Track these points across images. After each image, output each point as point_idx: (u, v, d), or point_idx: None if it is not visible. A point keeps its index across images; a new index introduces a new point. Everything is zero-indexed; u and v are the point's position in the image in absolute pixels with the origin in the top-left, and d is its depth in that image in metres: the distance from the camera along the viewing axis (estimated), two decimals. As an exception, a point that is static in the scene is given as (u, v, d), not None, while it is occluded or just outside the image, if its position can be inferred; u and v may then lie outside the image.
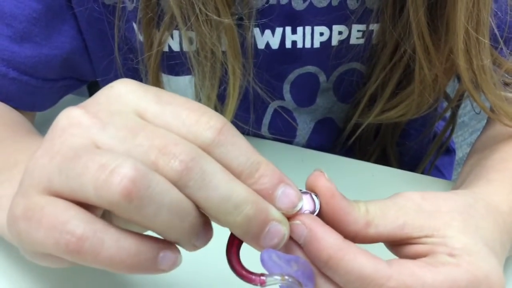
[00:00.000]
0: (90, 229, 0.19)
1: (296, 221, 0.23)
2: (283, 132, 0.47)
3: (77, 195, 0.20)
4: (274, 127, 0.46)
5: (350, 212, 0.24)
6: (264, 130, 0.47)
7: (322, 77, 0.44)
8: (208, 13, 0.33)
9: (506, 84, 0.40)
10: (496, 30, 0.36)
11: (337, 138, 0.49)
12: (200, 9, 0.33)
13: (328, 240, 0.23)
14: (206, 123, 0.21)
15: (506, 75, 0.38)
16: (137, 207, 0.19)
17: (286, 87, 0.44)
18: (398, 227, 0.25)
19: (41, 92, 0.42)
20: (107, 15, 0.39)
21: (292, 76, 0.43)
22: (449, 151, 0.64)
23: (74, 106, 0.21)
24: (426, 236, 0.25)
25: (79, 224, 0.19)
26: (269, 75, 0.42)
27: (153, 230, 0.20)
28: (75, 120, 0.21)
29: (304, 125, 0.47)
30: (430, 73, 0.38)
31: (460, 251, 0.25)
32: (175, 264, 0.21)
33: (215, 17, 0.34)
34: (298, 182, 0.24)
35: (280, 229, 0.22)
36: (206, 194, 0.20)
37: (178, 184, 0.20)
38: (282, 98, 0.45)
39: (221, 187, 0.20)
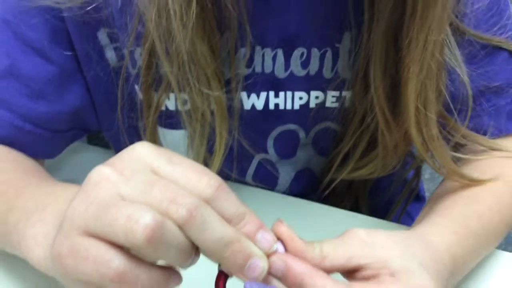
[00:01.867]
0: (129, 266, 0.26)
1: (273, 258, 0.29)
2: (266, 181, 0.52)
3: (110, 238, 0.26)
4: (258, 176, 0.52)
5: (306, 251, 0.30)
6: (248, 179, 0.52)
7: (301, 134, 0.49)
8: (201, 87, 0.39)
9: (461, 145, 0.47)
10: (450, 102, 0.43)
11: (315, 186, 0.54)
12: (194, 83, 0.39)
13: (300, 269, 0.29)
14: (207, 182, 0.27)
15: (462, 138, 0.44)
16: (155, 248, 0.25)
17: (270, 142, 0.49)
18: (348, 259, 0.31)
19: (52, 142, 0.47)
20: (112, 77, 0.45)
21: (274, 133, 0.49)
22: (420, 198, 0.69)
23: (103, 164, 0.28)
24: (371, 263, 0.31)
25: (120, 262, 0.26)
26: (254, 132, 0.47)
27: (163, 260, 0.27)
28: (105, 176, 0.27)
29: (286, 174, 0.53)
30: (390, 140, 0.44)
31: (398, 270, 0.32)
32: (179, 282, 0.28)
33: (206, 90, 0.40)
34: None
35: (260, 263, 0.28)
36: (205, 236, 0.26)
37: (184, 227, 0.26)
38: (266, 152, 0.50)
39: (216, 230, 0.26)
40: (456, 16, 0.43)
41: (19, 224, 0.35)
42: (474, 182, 0.43)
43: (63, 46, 0.44)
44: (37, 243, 0.33)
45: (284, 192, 0.54)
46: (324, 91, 0.46)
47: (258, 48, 0.43)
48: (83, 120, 0.48)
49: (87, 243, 0.26)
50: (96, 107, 0.47)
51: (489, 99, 0.46)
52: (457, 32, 0.43)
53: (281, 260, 0.29)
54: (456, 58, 0.42)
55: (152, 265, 0.27)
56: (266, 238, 0.28)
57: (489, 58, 0.46)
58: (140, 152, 0.28)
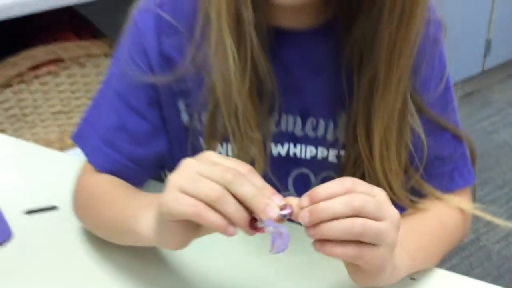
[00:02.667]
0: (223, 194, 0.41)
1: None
2: None
3: (197, 196, 0.41)
4: None
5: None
6: None
7: (312, 177, 0.63)
8: (248, 135, 0.55)
9: (415, 191, 0.60)
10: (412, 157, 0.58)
11: None
12: (243, 133, 0.54)
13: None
14: (244, 166, 0.43)
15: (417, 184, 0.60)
16: (220, 203, 0.40)
17: (290, 182, 0.64)
18: None
19: (143, 175, 0.64)
20: (184, 132, 0.61)
21: (293, 174, 0.63)
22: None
23: (191, 158, 0.44)
24: None
25: (217, 192, 0.41)
26: (278, 172, 0.61)
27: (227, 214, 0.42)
28: (191, 162, 0.43)
29: None
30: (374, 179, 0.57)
31: None
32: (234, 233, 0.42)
33: (251, 137, 0.55)
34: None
35: (273, 208, 0.41)
36: (242, 191, 0.40)
37: (230, 186, 0.41)
38: (287, 189, 0.64)
39: (248, 189, 0.41)
40: (416, 97, 0.58)
41: (134, 212, 0.51)
42: (417, 209, 0.60)
43: (155, 109, 0.60)
44: (146, 219, 0.48)
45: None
46: (327, 149, 0.62)
47: (284, 114, 0.60)
48: (164, 162, 0.65)
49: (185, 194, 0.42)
50: (173, 153, 0.61)
51: (437, 165, 0.61)
52: (418, 109, 0.58)
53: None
54: (418, 125, 0.57)
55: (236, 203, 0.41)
56: (277, 197, 0.42)
57: (439, 135, 0.60)
58: (210, 154, 0.45)
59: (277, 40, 0.56)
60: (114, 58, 0.63)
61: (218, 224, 0.40)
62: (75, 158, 0.69)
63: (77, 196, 0.62)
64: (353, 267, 0.46)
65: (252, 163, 0.56)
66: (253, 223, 0.42)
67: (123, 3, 1.27)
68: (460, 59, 2.15)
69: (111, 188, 0.59)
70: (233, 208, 0.41)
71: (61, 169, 0.73)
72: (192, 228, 0.44)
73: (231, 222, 0.41)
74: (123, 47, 0.61)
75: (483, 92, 2.34)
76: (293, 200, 0.42)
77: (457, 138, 0.62)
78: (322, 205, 0.41)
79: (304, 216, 0.41)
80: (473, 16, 2.12)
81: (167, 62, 0.58)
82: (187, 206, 0.41)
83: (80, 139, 0.63)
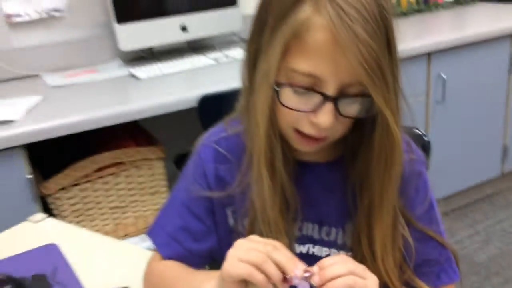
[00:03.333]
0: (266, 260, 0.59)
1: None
2: None
3: (250, 263, 0.59)
4: None
5: None
6: None
7: None
8: (277, 235, 0.72)
9: (409, 285, 0.75)
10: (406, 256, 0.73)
11: None
12: (275, 234, 0.71)
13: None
14: (275, 243, 0.61)
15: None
16: (265, 267, 0.58)
17: None
18: None
19: (198, 265, 0.80)
20: (229, 232, 0.78)
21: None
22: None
23: (242, 239, 0.62)
24: None
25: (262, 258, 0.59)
26: None
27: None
28: (243, 240, 0.62)
29: None
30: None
31: None
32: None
33: (279, 236, 0.71)
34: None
35: (299, 270, 0.59)
36: (280, 259, 0.59)
37: (271, 256, 0.59)
38: None
39: (285, 257, 0.60)
40: (405, 213, 0.74)
41: (199, 284, 0.69)
42: None
43: (210, 216, 0.79)
44: (210, 286, 0.66)
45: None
46: (338, 250, 0.78)
47: (305, 222, 0.77)
48: (214, 255, 0.81)
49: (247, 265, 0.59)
50: (222, 248, 0.78)
51: (426, 266, 0.76)
52: (407, 222, 0.74)
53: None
54: (408, 234, 0.73)
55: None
56: (302, 264, 0.59)
57: (426, 242, 0.76)
58: (253, 236, 0.63)
59: (301, 170, 0.74)
60: (182, 176, 0.81)
61: (263, 281, 0.58)
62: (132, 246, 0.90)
63: (149, 278, 0.79)
64: None
65: None
66: (285, 281, 0.60)
67: (174, 116, 1.51)
68: (478, 163, 2.31)
69: (177, 268, 0.77)
70: (272, 269, 0.58)
71: (124, 255, 0.93)
72: (245, 285, 0.61)
73: (271, 279, 0.59)
74: (188, 169, 0.80)
75: (504, 193, 2.46)
76: (313, 268, 0.61)
77: (441, 245, 0.77)
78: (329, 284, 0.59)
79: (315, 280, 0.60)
80: (489, 124, 2.30)
81: (221, 182, 0.77)
82: (243, 269, 0.59)
83: (153, 234, 0.81)
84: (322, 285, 0.59)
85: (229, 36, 2.09)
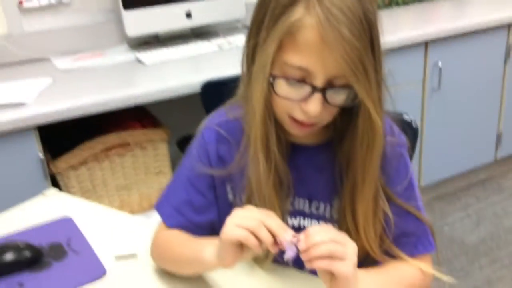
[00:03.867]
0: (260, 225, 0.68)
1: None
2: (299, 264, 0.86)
3: (246, 228, 0.68)
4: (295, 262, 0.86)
5: None
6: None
7: None
8: (270, 209, 0.76)
9: (388, 254, 0.84)
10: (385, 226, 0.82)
11: None
12: (269, 207, 0.77)
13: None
14: (267, 212, 0.70)
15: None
16: (259, 232, 0.68)
17: None
18: None
19: (200, 235, 0.85)
20: (229, 206, 0.86)
21: None
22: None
23: (238, 209, 0.70)
24: None
25: (256, 224, 0.68)
26: None
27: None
28: (240, 210, 0.71)
29: None
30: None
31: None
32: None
33: (272, 210, 0.76)
34: None
35: (288, 235, 0.68)
36: (272, 225, 0.68)
37: (265, 222, 0.68)
38: None
39: (276, 224, 0.68)
40: (386, 190, 0.82)
41: (200, 247, 0.78)
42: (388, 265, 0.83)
43: (211, 191, 0.87)
44: (210, 249, 0.75)
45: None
46: (326, 223, 0.86)
47: (296, 198, 0.86)
48: (214, 226, 0.88)
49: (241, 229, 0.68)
50: (221, 220, 0.84)
51: (404, 237, 0.84)
52: (387, 197, 0.81)
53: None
54: (388, 209, 0.81)
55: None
56: (290, 230, 0.68)
57: (404, 216, 0.84)
58: (249, 206, 0.73)
59: (294, 151, 0.83)
60: (186, 155, 0.89)
61: (256, 244, 0.67)
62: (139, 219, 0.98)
63: (155, 244, 0.88)
64: (328, 276, 0.69)
65: None
66: (275, 244, 0.69)
67: (178, 100, 1.58)
68: (473, 149, 2.38)
69: (181, 235, 0.86)
70: (265, 234, 0.67)
71: (131, 227, 1.02)
72: (239, 250, 0.70)
73: (263, 243, 0.68)
74: (192, 149, 0.88)
75: (496, 179, 2.53)
76: (299, 235, 0.69)
77: (419, 219, 0.85)
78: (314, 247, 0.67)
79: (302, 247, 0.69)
80: (484, 111, 2.36)
81: (221, 161, 0.86)
82: (239, 234, 0.68)
83: (159, 207, 0.89)
84: (306, 250, 0.67)
85: (232, 23, 2.15)
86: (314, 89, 0.71)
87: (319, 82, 0.70)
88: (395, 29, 2.09)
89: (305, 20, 0.68)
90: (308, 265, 0.68)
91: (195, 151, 0.88)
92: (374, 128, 0.74)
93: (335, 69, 0.69)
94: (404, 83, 2.08)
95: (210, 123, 0.88)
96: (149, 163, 1.74)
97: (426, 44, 2.08)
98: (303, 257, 0.68)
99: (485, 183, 2.51)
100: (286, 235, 0.68)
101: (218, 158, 0.86)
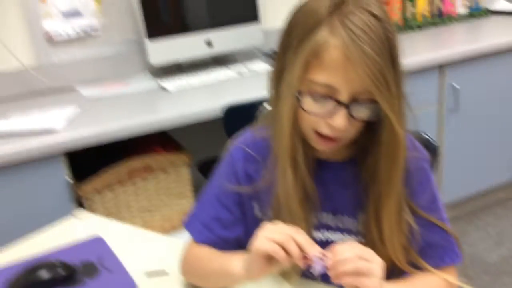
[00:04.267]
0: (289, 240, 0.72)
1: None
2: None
3: (276, 242, 0.72)
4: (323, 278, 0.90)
5: None
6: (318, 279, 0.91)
7: None
8: (297, 222, 0.82)
9: (415, 266, 0.87)
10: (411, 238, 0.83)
11: None
12: (295, 222, 0.82)
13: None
14: (296, 229, 0.74)
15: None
16: (288, 246, 0.72)
17: None
18: None
19: (229, 248, 0.90)
20: (256, 222, 0.86)
21: None
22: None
23: (270, 223, 0.76)
24: None
25: (285, 238, 0.73)
26: None
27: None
28: (270, 225, 0.75)
29: None
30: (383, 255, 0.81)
31: None
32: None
33: (298, 223, 0.82)
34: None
35: (316, 251, 0.73)
36: (301, 241, 0.72)
37: (294, 238, 0.73)
38: None
39: (304, 240, 0.72)
40: (410, 203, 0.85)
41: (228, 261, 0.83)
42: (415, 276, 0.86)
43: (239, 208, 0.91)
44: (238, 262, 0.81)
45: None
46: (350, 235, 0.89)
47: (322, 212, 0.89)
48: (241, 242, 0.90)
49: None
50: (248, 236, 0.88)
51: (430, 249, 0.87)
52: (412, 210, 0.85)
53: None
54: (412, 221, 0.84)
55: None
56: (317, 248, 0.72)
57: (429, 228, 0.87)
58: (278, 222, 0.76)
59: (320, 167, 0.86)
60: (215, 173, 0.94)
61: (285, 257, 0.71)
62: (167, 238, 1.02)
63: (185, 260, 0.92)
64: None
65: None
66: (304, 259, 0.72)
67: (200, 125, 1.64)
68: (491, 169, 2.38)
69: (210, 251, 0.90)
70: (294, 248, 0.71)
71: (159, 245, 1.06)
72: (267, 263, 0.73)
73: (291, 257, 0.71)
74: (221, 167, 0.93)
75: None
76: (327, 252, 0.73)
77: (444, 230, 0.88)
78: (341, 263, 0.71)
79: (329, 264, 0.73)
80: (502, 131, 2.37)
81: (249, 178, 0.90)
82: (269, 246, 0.71)
83: (188, 224, 0.94)
84: (334, 266, 0.71)
85: (251, 50, 2.22)
86: (340, 104, 0.75)
87: (344, 97, 0.75)
88: (411, 52, 2.13)
89: (330, 41, 0.73)
90: (335, 281, 0.71)
91: (223, 170, 0.93)
92: (397, 141, 0.78)
93: (359, 85, 0.74)
94: (420, 105, 2.11)
95: (238, 142, 0.93)
96: (171, 186, 1.79)
97: (440, 67, 2.12)
98: (331, 273, 0.71)
99: (505, 202, 2.50)
100: (314, 250, 0.72)
101: (245, 175, 0.90)
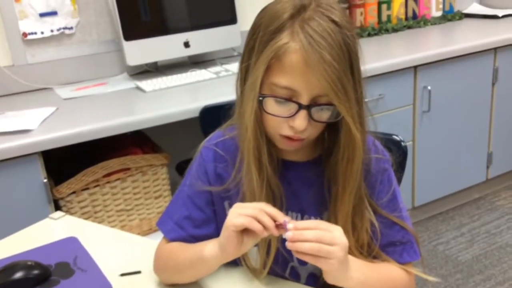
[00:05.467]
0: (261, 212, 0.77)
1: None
2: (295, 278, 0.94)
3: (249, 215, 0.76)
4: (291, 275, 0.94)
5: None
6: (287, 274, 0.94)
7: None
8: None
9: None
10: (372, 237, 0.87)
11: (316, 283, 0.92)
12: None
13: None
14: (264, 204, 0.78)
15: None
16: (261, 217, 0.76)
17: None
18: None
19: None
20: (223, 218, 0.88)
21: None
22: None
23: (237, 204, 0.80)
24: None
25: (258, 211, 0.77)
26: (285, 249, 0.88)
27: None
28: (240, 203, 0.80)
29: (304, 273, 0.93)
30: None
31: None
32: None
33: None
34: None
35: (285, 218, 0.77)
36: (271, 211, 0.77)
37: (264, 209, 0.77)
38: (293, 261, 0.93)
39: (274, 211, 0.77)
40: (371, 202, 0.87)
41: (200, 248, 0.85)
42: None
43: (211, 207, 0.93)
44: (211, 246, 0.83)
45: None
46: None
47: (289, 212, 0.91)
48: (211, 237, 0.90)
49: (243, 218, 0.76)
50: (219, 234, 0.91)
51: (390, 246, 0.90)
52: (374, 209, 0.87)
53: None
54: (374, 219, 0.86)
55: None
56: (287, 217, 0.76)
57: (390, 227, 0.90)
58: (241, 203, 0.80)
59: (285, 167, 0.89)
60: (187, 173, 0.95)
61: (260, 228, 0.74)
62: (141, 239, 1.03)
63: (158, 256, 0.93)
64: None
65: (269, 241, 0.87)
66: (276, 227, 0.76)
67: (177, 126, 1.64)
68: (464, 169, 2.44)
69: (181, 245, 0.91)
70: (267, 218, 0.75)
71: (134, 246, 1.06)
72: (241, 239, 0.77)
73: (265, 227, 0.75)
74: (192, 168, 0.95)
75: (489, 197, 2.59)
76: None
77: (404, 229, 0.90)
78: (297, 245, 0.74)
79: (288, 235, 0.75)
80: (474, 132, 2.43)
81: (219, 178, 0.92)
82: (243, 219, 0.75)
83: (161, 223, 0.95)
84: (293, 244, 0.74)
85: (228, 51, 2.23)
86: (300, 106, 0.78)
87: (304, 100, 0.78)
88: (385, 54, 2.17)
89: (290, 45, 0.76)
90: (295, 255, 0.75)
91: (194, 170, 0.94)
92: (354, 142, 0.80)
93: (318, 89, 0.76)
94: (395, 106, 2.15)
95: (208, 143, 0.95)
96: (149, 187, 1.79)
97: (415, 69, 2.16)
98: (290, 247, 0.74)
99: (478, 202, 2.56)
100: (285, 217, 0.75)
101: (216, 175, 0.92)
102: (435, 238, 2.30)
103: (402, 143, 1.23)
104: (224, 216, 0.91)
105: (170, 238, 0.94)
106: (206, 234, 0.92)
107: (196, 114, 1.62)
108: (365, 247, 0.87)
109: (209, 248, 0.83)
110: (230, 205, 0.91)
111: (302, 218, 0.92)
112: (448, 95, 2.29)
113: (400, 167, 1.07)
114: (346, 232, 0.83)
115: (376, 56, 2.12)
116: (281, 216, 0.76)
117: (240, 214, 0.76)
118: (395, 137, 1.22)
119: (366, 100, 0.83)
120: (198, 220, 0.93)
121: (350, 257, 0.80)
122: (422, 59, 2.15)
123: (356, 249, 0.86)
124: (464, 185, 2.48)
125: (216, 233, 0.92)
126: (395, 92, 2.13)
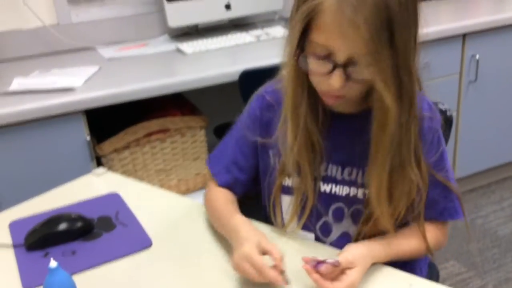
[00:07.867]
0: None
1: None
2: (325, 232, 0.96)
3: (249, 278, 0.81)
4: (322, 228, 0.96)
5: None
6: (317, 228, 0.96)
7: (345, 209, 0.93)
8: (303, 178, 0.90)
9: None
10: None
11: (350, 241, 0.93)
12: (302, 175, 0.90)
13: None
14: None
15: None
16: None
17: (330, 211, 0.94)
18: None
19: (244, 189, 1.02)
20: (269, 168, 0.97)
21: (333, 206, 0.94)
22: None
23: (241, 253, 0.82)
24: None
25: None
26: (323, 203, 0.94)
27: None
28: (242, 253, 0.82)
29: (337, 231, 0.94)
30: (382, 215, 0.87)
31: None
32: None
33: (305, 175, 0.90)
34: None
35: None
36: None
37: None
38: (327, 215, 0.95)
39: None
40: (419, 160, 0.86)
41: (229, 225, 0.91)
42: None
43: (254, 155, 1.00)
44: (231, 235, 0.89)
45: (331, 243, 0.95)
46: (357, 189, 0.91)
47: (330, 164, 0.92)
48: (255, 185, 1.02)
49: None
50: (263, 179, 1.00)
51: (433, 205, 0.92)
52: (420, 168, 0.86)
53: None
54: (419, 179, 0.86)
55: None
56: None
57: (434, 185, 0.91)
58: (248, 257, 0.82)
59: (329, 118, 0.90)
60: (238, 120, 1.02)
61: (259, 279, 0.79)
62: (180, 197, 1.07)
63: (206, 199, 1.03)
64: None
65: (305, 197, 0.90)
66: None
67: (216, 89, 1.65)
68: (509, 142, 2.36)
69: (221, 200, 0.99)
70: (265, 280, 0.78)
71: (174, 204, 1.09)
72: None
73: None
74: (243, 115, 1.01)
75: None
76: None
77: (448, 188, 0.92)
78: None
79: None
80: None
81: (266, 127, 0.96)
82: (242, 273, 0.81)
83: (211, 164, 1.04)
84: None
85: (270, 15, 2.20)
86: (336, 65, 0.78)
87: (340, 59, 0.77)
88: (433, 21, 2.09)
89: (325, 4, 0.75)
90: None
91: (244, 117, 1.00)
92: (386, 111, 0.79)
93: (351, 48, 0.75)
94: (441, 75, 2.09)
95: (261, 90, 0.99)
96: (187, 148, 1.82)
97: (464, 37, 2.08)
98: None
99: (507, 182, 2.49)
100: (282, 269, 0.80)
101: (264, 124, 0.97)
102: (475, 211, 2.26)
103: (448, 112, 1.20)
104: (268, 163, 0.99)
105: (219, 181, 1.02)
106: (250, 180, 1.02)
107: (236, 77, 1.62)
108: (401, 217, 0.88)
109: (231, 236, 0.88)
110: (274, 155, 0.97)
111: (343, 171, 0.92)
112: (497, 65, 2.20)
113: (444, 137, 1.04)
114: (379, 200, 0.85)
115: (423, 23, 2.04)
116: (276, 253, 0.80)
117: (240, 268, 0.80)
118: (440, 105, 1.19)
119: (417, 76, 0.82)
120: (243, 166, 1.01)
121: (369, 253, 0.84)
122: (472, 26, 2.06)
123: (391, 217, 0.87)
124: (508, 159, 2.41)
125: (257, 179, 1.02)
126: (441, 60, 2.06)
